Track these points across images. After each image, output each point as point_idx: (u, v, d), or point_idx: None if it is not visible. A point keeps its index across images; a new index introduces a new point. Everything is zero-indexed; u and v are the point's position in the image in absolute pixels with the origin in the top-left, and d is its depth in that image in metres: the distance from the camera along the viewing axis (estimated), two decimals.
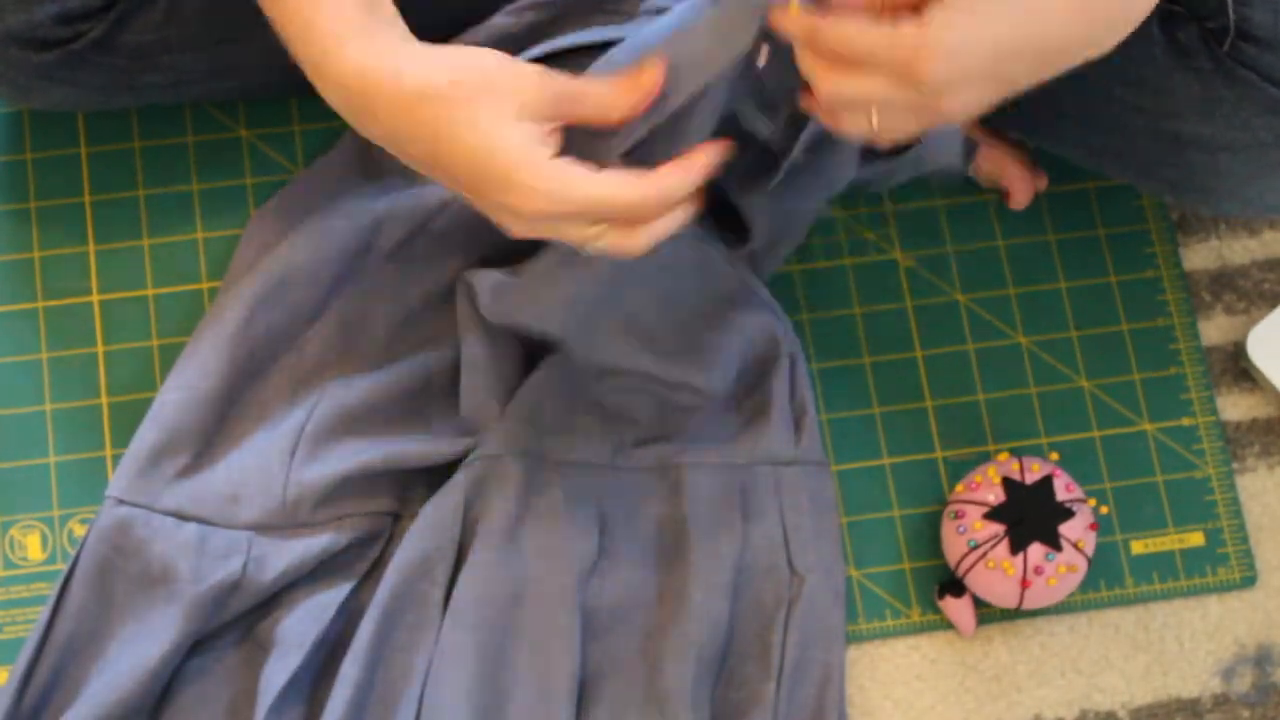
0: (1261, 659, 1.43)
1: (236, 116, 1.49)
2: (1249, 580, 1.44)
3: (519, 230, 1.18)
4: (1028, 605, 1.38)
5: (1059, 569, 1.37)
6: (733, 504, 1.38)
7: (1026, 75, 1.11)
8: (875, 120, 1.11)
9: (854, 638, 1.41)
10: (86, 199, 1.47)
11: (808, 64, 1.12)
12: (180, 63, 1.38)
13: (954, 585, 1.40)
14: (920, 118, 1.11)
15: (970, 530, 1.37)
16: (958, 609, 1.40)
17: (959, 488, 1.40)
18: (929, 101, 1.09)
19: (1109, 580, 1.44)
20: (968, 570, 1.38)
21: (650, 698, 1.33)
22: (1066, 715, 1.41)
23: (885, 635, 1.42)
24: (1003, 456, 1.40)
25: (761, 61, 1.18)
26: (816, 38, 1.10)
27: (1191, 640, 1.43)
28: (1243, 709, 1.42)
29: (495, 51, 1.17)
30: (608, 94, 1.17)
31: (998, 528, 1.37)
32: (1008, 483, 1.38)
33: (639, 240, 1.18)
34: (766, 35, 1.15)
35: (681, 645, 1.34)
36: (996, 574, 1.37)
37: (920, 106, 1.10)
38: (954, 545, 1.38)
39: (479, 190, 1.16)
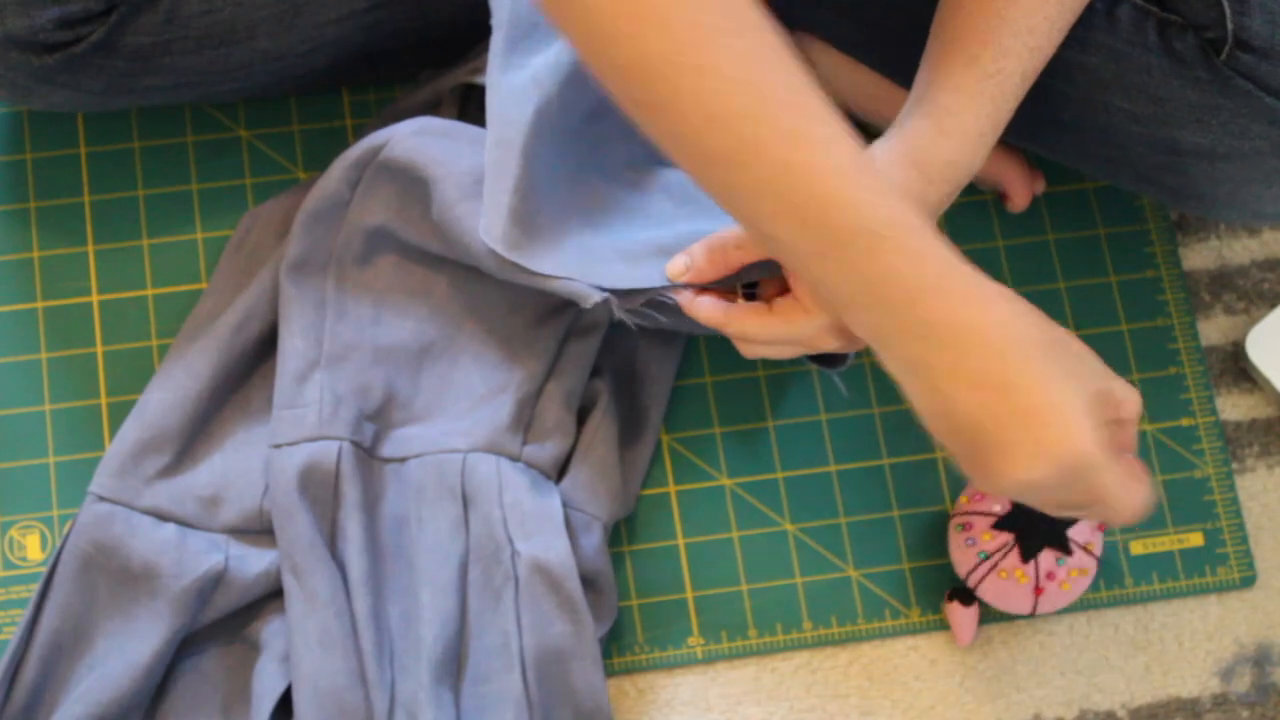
0: (1261, 659, 1.43)
1: (236, 116, 1.49)
2: (1248, 580, 1.44)
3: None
4: (1042, 610, 1.38)
5: (1071, 573, 1.37)
6: (453, 492, 1.38)
7: None
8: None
9: (853, 638, 1.42)
10: (86, 199, 1.47)
11: (728, 336, 1.29)
12: (180, 65, 1.38)
13: (964, 593, 1.40)
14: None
15: (979, 542, 1.37)
16: (962, 617, 1.40)
17: (963, 499, 1.40)
18: (838, 347, 1.25)
19: (1109, 580, 1.44)
20: (979, 581, 1.38)
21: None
22: (1066, 715, 1.41)
23: (885, 635, 1.42)
24: None
25: None
26: (724, 329, 1.27)
27: (1191, 640, 1.43)
28: (1242, 709, 1.42)
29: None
30: None
31: (1006, 537, 1.37)
32: None
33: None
34: None
35: (416, 651, 1.34)
36: (1009, 583, 1.37)
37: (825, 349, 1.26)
38: (963, 557, 1.38)
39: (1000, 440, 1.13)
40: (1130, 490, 1.16)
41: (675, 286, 1.29)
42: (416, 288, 1.40)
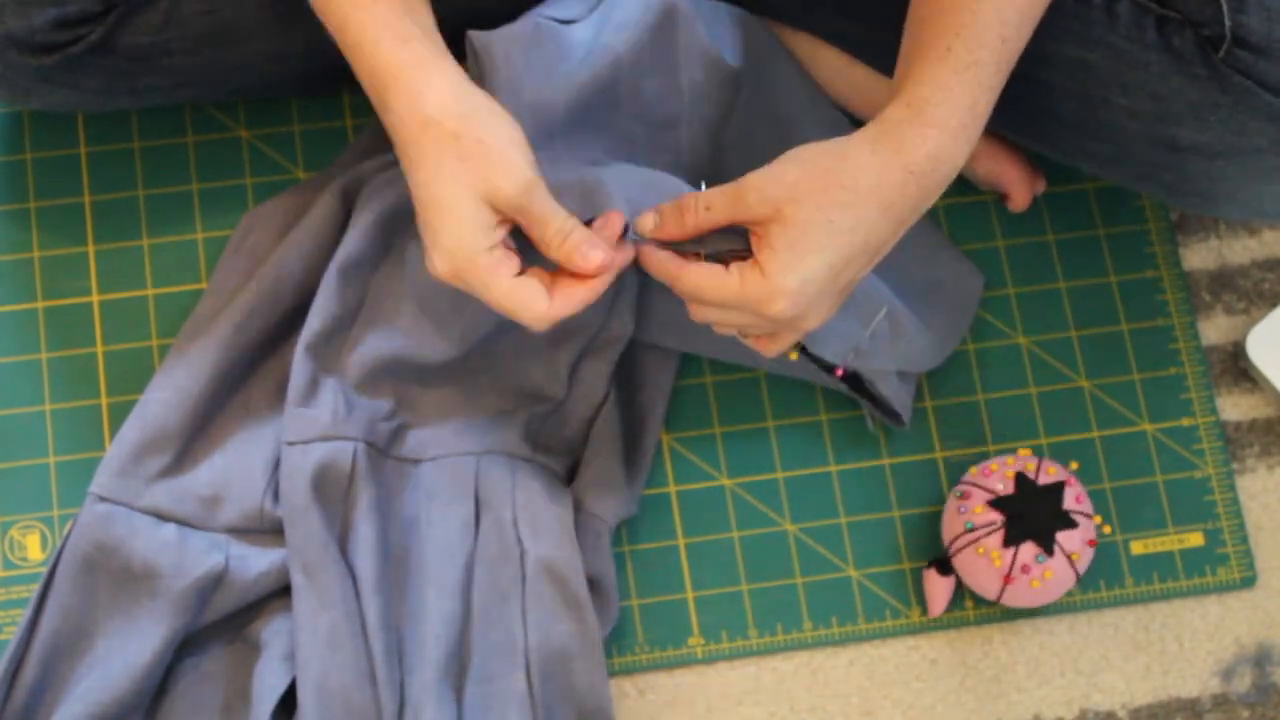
0: (1261, 659, 1.43)
1: (236, 116, 1.49)
2: (1249, 580, 1.44)
3: (434, 272, 1.24)
4: (1006, 601, 1.38)
5: (1045, 574, 1.36)
6: (466, 493, 1.38)
7: (860, 274, 1.24)
8: (743, 334, 1.28)
9: (854, 638, 1.42)
10: (86, 199, 1.47)
11: (678, 294, 1.26)
12: (179, 65, 1.38)
13: (943, 563, 1.40)
14: (784, 336, 1.27)
15: (970, 513, 1.37)
16: (937, 586, 1.40)
17: (973, 470, 1.40)
18: (788, 325, 1.24)
19: (1109, 580, 1.44)
20: (959, 551, 1.38)
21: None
22: (1066, 715, 1.41)
23: (885, 635, 1.42)
24: (1024, 452, 1.40)
25: None
26: (676, 284, 1.26)
27: (1191, 640, 1.43)
28: (1242, 709, 1.42)
29: (512, 127, 1.23)
30: (564, 241, 1.23)
31: (996, 516, 1.37)
32: (1020, 477, 1.38)
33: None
34: None
35: (420, 650, 1.34)
36: (983, 561, 1.37)
37: (780, 330, 1.26)
38: (952, 523, 1.39)
39: (420, 222, 1.23)
40: (520, 299, 1.22)
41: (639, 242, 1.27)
42: (447, 297, 1.40)
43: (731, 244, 1.25)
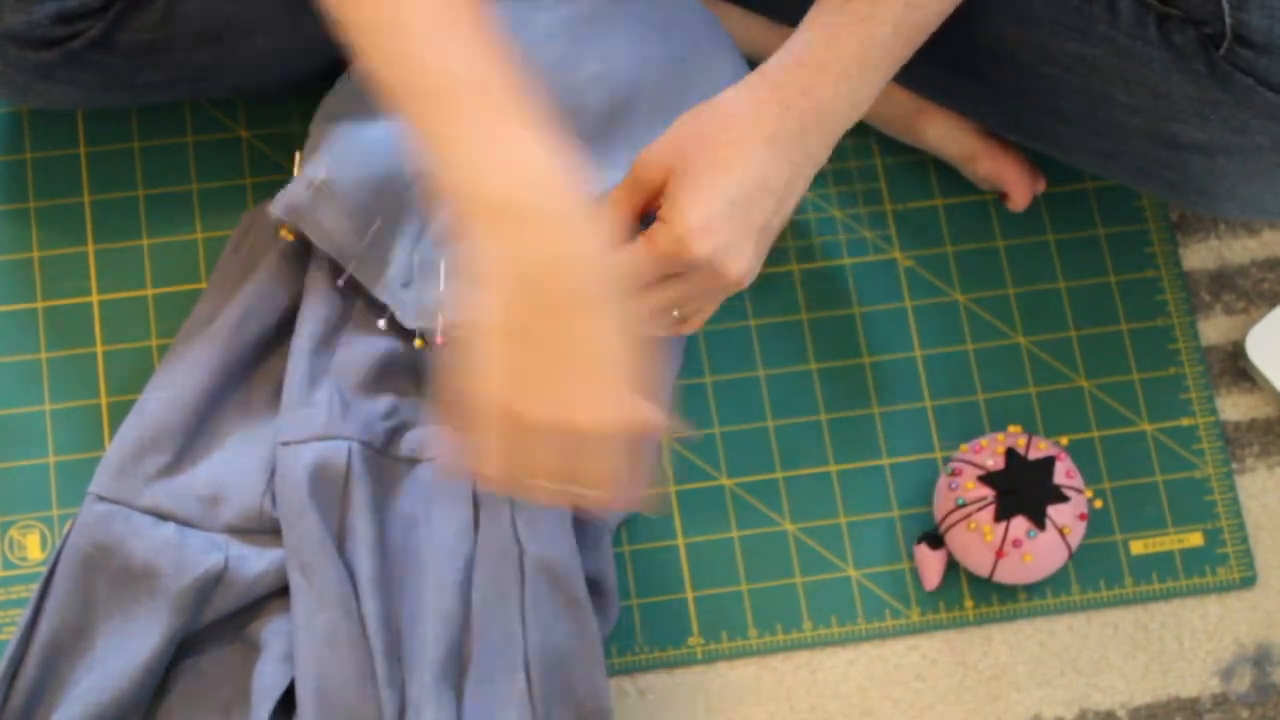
0: (1261, 659, 1.43)
1: (236, 116, 1.49)
2: (1248, 580, 1.44)
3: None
4: (999, 578, 1.38)
5: (1037, 548, 1.37)
6: (465, 493, 1.37)
7: (773, 217, 1.24)
8: (682, 315, 1.28)
9: (854, 638, 1.42)
10: (86, 199, 1.47)
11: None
12: (179, 62, 1.38)
13: (934, 537, 1.40)
14: (714, 296, 1.27)
15: (961, 488, 1.38)
16: (929, 560, 1.41)
17: (963, 447, 1.41)
18: (714, 274, 1.23)
19: (1109, 580, 1.44)
20: (950, 527, 1.38)
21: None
22: (1066, 715, 1.41)
23: (885, 635, 1.42)
24: (1014, 428, 1.41)
25: None
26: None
27: (1191, 640, 1.43)
28: (1242, 709, 1.42)
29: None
30: None
31: (987, 491, 1.37)
32: (1010, 453, 1.38)
33: None
34: None
35: (420, 651, 1.34)
36: (975, 537, 1.37)
37: (710, 284, 1.24)
38: (943, 500, 1.39)
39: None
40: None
41: None
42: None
43: None
